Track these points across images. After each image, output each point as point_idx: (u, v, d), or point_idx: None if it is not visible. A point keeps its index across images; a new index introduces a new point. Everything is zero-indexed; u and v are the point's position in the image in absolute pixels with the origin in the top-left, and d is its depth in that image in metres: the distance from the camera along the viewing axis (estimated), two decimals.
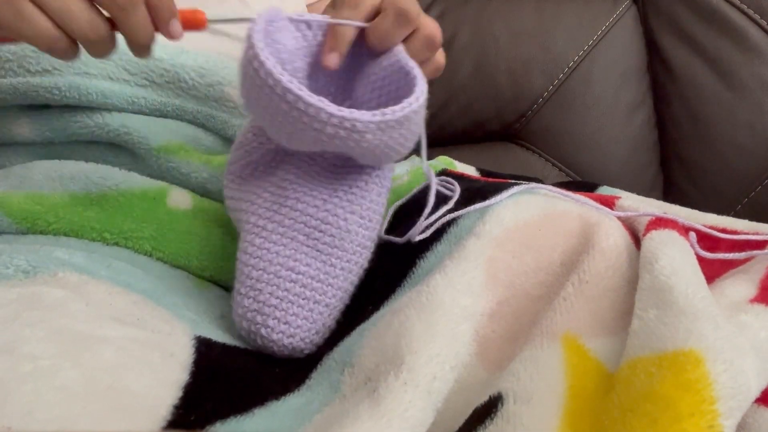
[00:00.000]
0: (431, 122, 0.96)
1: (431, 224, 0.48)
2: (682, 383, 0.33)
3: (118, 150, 0.56)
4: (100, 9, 0.42)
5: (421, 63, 0.47)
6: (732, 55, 0.90)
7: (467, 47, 0.95)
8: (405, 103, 0.41)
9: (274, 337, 0.45)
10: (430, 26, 0.48)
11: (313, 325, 0.45)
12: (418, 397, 0.36)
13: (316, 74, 0.49)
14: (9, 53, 0.55)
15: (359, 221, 0.46)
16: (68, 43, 0.43)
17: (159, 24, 0.44)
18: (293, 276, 0.45)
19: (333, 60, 0.46)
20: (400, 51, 0.46)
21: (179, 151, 0.55)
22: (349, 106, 0.42)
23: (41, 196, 0.52)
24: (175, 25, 0.44)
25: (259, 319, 0.45)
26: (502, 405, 0.36)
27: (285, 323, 0.45)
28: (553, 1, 0.97)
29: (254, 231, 0.46)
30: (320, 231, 0.46)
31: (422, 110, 0.43)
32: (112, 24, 0.43)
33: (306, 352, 0.46)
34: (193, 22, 0.45)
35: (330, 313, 0.46)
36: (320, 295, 0.46)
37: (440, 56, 0.51)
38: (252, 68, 0.41)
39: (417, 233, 0.47)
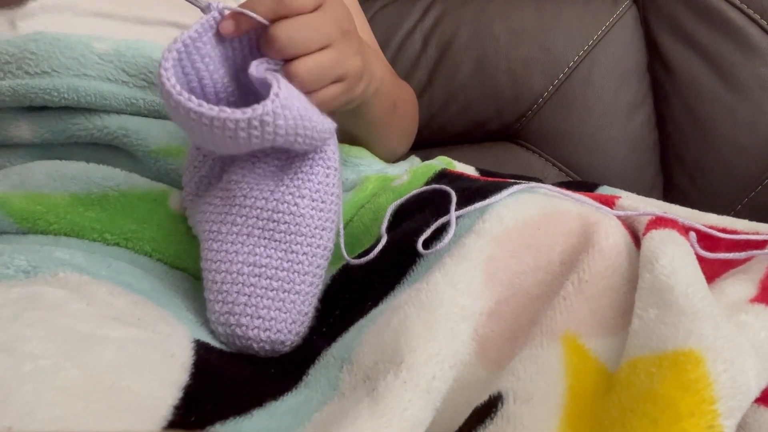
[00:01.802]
0: (431, 122, 0.96)
1: (431, 227, 0.48)
2: (682, 383, 0.33)
3: (117, 152, 0.56)
4: None
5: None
6: (732, 55, 0.90)
7: (467, 47, 0.95)
8: (268, 99, 0.42)
9: (250, 333, 0.45)
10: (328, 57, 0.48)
11: (287, 315, 0.46)
12: (417, 396, 0.36)
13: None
14: (8, 55, 0.55)
15: (311, 204, 0.47)
16: None
17: None
18: (256, 270, 0.46)
19: (225, 26, 0.45)
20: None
21: (178, 154, 0.55)
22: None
23: (42, 196, 0.52)
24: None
25: (232, 320, 0.45)
26: (502, 404, 0.36)
27: (258, 318, 0.45)
28: (553, 1, 0.97)
29: (210, 237, 0.47)
30: (273, 221, 0.46)
31: (285, 108, 0.43)
32: None
33: (288, 343, 0.46)
34: None
35: (303, 300, 0.47)
36: (287, 284, 0.46)
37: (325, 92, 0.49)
38: (161, 93, 0.42)
39: (421, 242, 0.48)
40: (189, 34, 0.44)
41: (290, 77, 0.46)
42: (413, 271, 0.47)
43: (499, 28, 0.95)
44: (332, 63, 0.48)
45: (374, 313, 0.44)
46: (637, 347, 0.36)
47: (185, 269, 0.53)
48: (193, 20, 0.46)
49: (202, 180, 0.50)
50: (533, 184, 0.50)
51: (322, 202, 0.48)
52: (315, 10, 0.47)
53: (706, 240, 0.49)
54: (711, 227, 0.50)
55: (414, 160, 0.70)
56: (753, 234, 0.50)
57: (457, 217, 0.47)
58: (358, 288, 0.48)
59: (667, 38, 0.94)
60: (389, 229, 0.52)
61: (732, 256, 0.47)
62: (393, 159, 0.71)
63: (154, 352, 0.39)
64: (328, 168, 0.49)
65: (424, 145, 0.93)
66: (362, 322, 0.44)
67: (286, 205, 0.47)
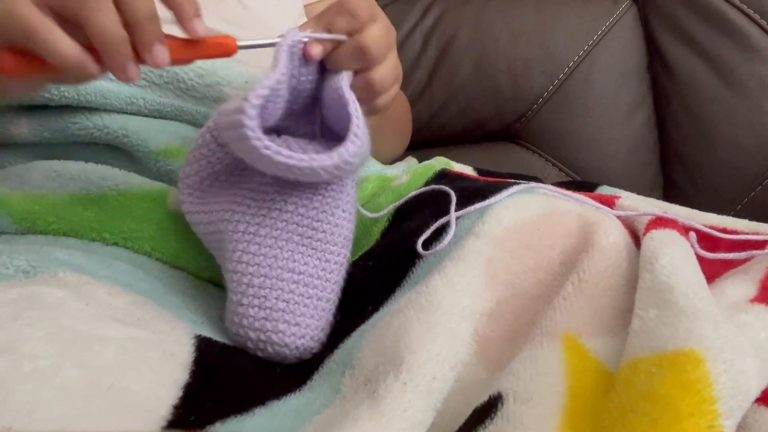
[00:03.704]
0: (431, 122, 0.96)
1: (430, 228, 0.48)
2: (682, 383, 0.33)
3: (116, 152, 0.56)
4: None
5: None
6: (732, 55, 0.90)
7: (467, 47, 0.95)
8: (348, 140, 0.43)
9: (287, 340, 0.45)
10: (383, 69, 0.49)
11: (319, 323, 0.46)
12: (417, 397, 0.36)
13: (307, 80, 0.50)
14: None
15: (343, 215, 0.48)
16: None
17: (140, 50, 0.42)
18: (295, 277, 0.45)
19: (315, 50, 0.47)
20: (345, 80, 0.47)
21: (178, 155, 0.55)
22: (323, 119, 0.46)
23: (41, 196, 0.52)
24: (160, 52, 0.42)
25: (268, 326, 0.45)
26: (502, 405, 0.36)
27: (295, 325, 0.45)
28: (553, 1, 0.97)
29: (246, 239, 0.46)
30: (313, 229, 0.46)
31: (364, 141, 0.44)
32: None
33: (314, 351, 0.46)
34: (224, 48, 0.45)
35: (330, 309, 0.47)
36: (321, 292, 0.46)
37: (382, 100, 0.52)
38: (237, 132, 0.42)
39: (420, 243, 0.48)
40: (277, 77, 0.44)
41: (373, 83, 0.49)
42: (413, 273, 0.47)
43: (499, 28, 0.95)
44: (396, 66, 0.51)
45: (375, 317, 0.44)
46: (637, 347, 0.36)
47: (184, 268, 0.53)
48: (250, 41, 0.46)
49: (210, 176, 0.49)
50: (533, 184, 0.50)
51: (350, 213, 0.49)
52: (374, 18, 0.49)
53: (706, 240, 0.49)
54: (711, 227, 0.50)
55: (411, 161, 0.70)
56: (753, 234, 0.50)
57: (457, 218, 0.47)
58: (359, 291, 0.48)
59: (667, 38, 0.94)
60: (389, 230, 0.52)
61: (732, 256, 0.47)
62: (389, 161, 0.71)
63: (153, 351, 0.39)
64: (353, 181, 0.49)
65: (423, 145, 0.94)
66: (363, 327, 0.44)
67: (325, 214, 0.47)
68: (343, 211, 0.48)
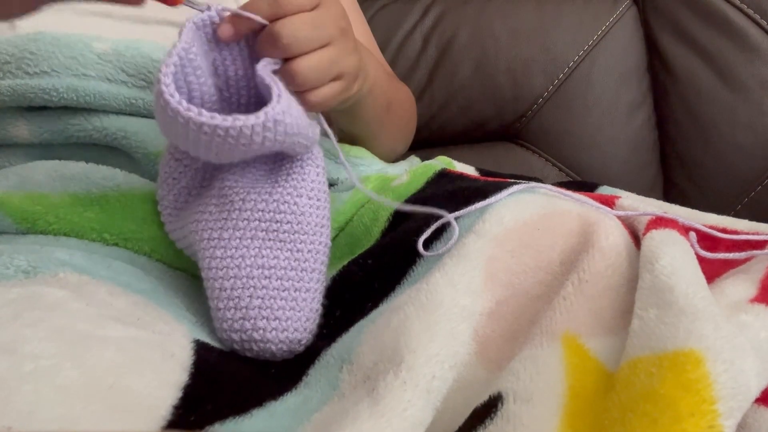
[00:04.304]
0: (431, 122, 0.96)
1: (430, 227, 0.48)
2: (683, 383, 0.33)
3: (116, 153, 0.56)
4: None
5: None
6: (732, 55, 0.90)
7: (467, 47, 0.95)
8: (274, 100, 0.42)
9: (269, 336, 0.45)
10: (315, 59, 0.47)
11: (300, 313, 0.46)
12: (417, 396, 0.36)
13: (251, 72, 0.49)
14: (7, 55, 0.55)
15: (308, 202, 0.48)
16: None
17: None
18: (266, 272, 0.45)
19: (224, 30, 0.46)
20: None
21: None
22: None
23: (41, 196, 0.52)
24: None
25: (248, 325, 0.45)
26: (502, 404, 0.36)
27: (275, 319, 0.45)
28: (553, 1, 0.97)
29: (211, 245, 0.46)
30: (276, 221, 0.46)
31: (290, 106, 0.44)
32: None
33: (303, 342, 0.46)
34: None
35: (313, 297, 0.47)
36: (297, 282, 0.46)
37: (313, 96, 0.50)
38: (159, 105, 0.42)
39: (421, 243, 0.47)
40: (182, 45, 0.44)
41: (292, 75, 0.47)
42: (413, 271, 0.47)
43: (499, 28, 0.95)
44: (332, 60, 0.49)
45: (374, 313, 0.44)
46: (637, 347, 0.36)
47: (184, 269, 0.53)
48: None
49: (181, 192, 0.50)
50: (533, 184, 0.50)
51: (318, 199, 0.48)
52: (313, 9, 0.48)
53: (706, 240, 0.49)
54: (711, 227, 0.50)
55: (413, 160, 0.70)
56: (753, 234, 0.50)
57: (458, 218, 0.47)
58: (358, 288, 0.48)
59: (667, 38, 0.94)
60: (389, 230, 0.52)
61: (732, 256, 0.47)
62: (392, 158, 0.71)
63: (153, 352, 0.39)
64: (317, 167, 0.49)
65: (424, 145, 0.93)
66: (362, 323, 0.44)
67: (286, 204, 0.47)
68: (309, 198, 0.48)
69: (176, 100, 0.41)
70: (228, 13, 0.46)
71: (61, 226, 0.51)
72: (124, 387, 0.36)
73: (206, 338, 0.45)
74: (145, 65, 0.56)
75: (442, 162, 0.64)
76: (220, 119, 0.41)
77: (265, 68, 0.45)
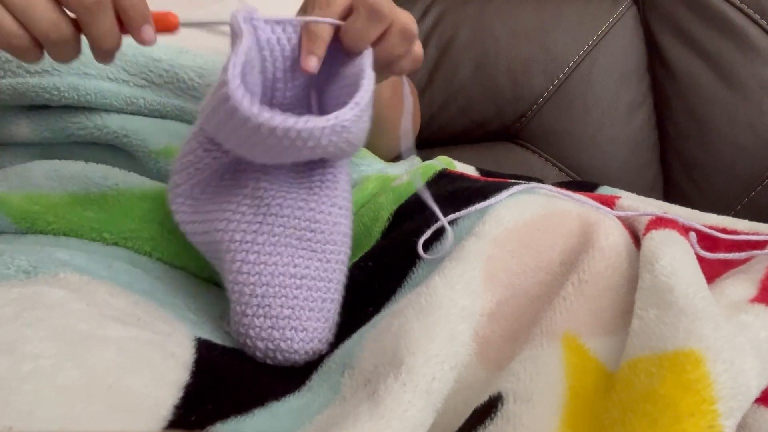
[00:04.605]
0: (431, 122, 0.96)
1: (431, 227, 0.48)
2: (683, 383, 0.33)
3: (116, 152, 0.56)
4: (66, 10, 0.41)
5: (399, 57, 0.47)
6: (732, 55, 0.90)
7: (467, 47, 0.95)
8: (348, 106, 0.41)
9: (296, 347, 0.44)
10: (403, 19, 0.47)
11: (326, 324, 0.45)
12: (417, 397, 0.36)
13: (293, 74, 0.48)
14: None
15: (339, 212, 0.47)
16: (30, 43, 0.41)
17: (130, 29, 0.42)
18: (297, 282, 0.45)
19: (311, 63, 0.45)
20: (368, 56, 0.45)
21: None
22: (322, 106, 0.43)
23: (41, 195, 0.52)
24: (148, 31, 0.43)
25: (276, 334, 0.44)
26: (502, 405, 0.36)
27: (303, 330, 0.44)
28: (553, 1, 0.97)
29: (244, 248, 0.45)
30: (311, 231, 0.46)
31: (365, 112, 0.43)
32: (77, 26, 0.42)
33: (322, 352, 0.45)
34: (165, 25, 0.44)
35: (335, 308, 0.46)
36: (325, 294, 0.46)
37: (418, 48, 0.50)
38: (225, 110, 0.40)
39: (421, 244, 0.47)
40: (246, 45, 0.42)
41: (404, 31, 0.46)
42: (413, 273, 0.47)
43: (499, 28, 0.95)
44: (411, 21, 0.48)
45: (375, 318, 0.44)
46: (637, 347, 0.36)
47: (185, 268, 0.53)
48: (196, 16, 0.45)
49: (200, 183, 0.48)
50: (533, 184, 0.50)
51: (347, 210, 0.48)
52: None
53: (706, 240, 0.49)
54: (711, 227, 0.50)
55: (414, 160, 0.70)
56: (753, 234, 0.50)
57: (457, 219, 0.47)
58: (360, 292, 0.48)
59: (667, 38, 0.94)
60: (390, 231, 0.52)
61: (732, 256, 0.47)
62: (395, 155, 0.71)
63: (154, 351, 0.39)
64: (347, 176, 0.49)
65: (424, 145, 0.93)
66: (364, 328, 0.44)
67: (322, 214, 0.46)
68: (340, 208, 0.47)
69: (247, 105, 0.39)
70: (299, 24, 0.44)
71: (60, 226, 0.51)
72: (125, 387, 0.36)
73: (207, 336, 0.45)
74: (146, 64, 0.56)
75: (442, 162, 0.64)
76: (292, 121, 0.39)
77: (369, 61, 0.44)
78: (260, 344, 0.44)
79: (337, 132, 0.40)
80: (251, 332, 0.44)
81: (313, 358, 0.45)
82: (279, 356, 0.44)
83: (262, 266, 0.45)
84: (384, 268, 0.48)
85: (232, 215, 0.46)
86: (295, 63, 0.46)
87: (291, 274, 0.45)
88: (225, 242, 0.46)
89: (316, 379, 0.42)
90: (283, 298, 0.44)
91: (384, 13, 0.45)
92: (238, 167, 0.47)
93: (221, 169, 0.48)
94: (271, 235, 0.45)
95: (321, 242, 0.46)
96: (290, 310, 0.44)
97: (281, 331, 0.44)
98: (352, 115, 0.41)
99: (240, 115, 0.39)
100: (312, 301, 0.45)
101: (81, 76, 0.55)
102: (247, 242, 0.45)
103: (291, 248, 0.45)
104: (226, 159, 0.47)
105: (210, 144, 0.47)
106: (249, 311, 0.44)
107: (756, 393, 0.34)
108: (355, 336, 0.44)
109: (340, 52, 0.47)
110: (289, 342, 0.44)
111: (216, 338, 0.46)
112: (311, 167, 0.48)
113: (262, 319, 0.44)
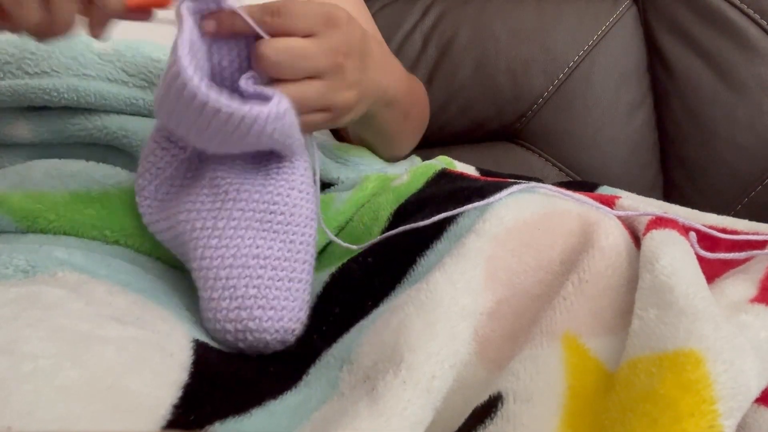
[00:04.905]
0: (431, 122, 0.96)
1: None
2: (683, 383, 0.33)
3: (116, 152, 0.56)
4: None
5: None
6: (732, 55, 0.90)
7: (467, 47, 0.95)
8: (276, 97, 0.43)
9: (265, 325, 0.45)
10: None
11: (295, 303, 0.46)
12: (417, 395, 0.36)
13: (240, 64, 0.49)
14: (7, 55, 0.55)
15: (299, 195, 0.48)
16: None
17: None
18: (261, 262, 0.46)
19: (209, 24, 0.45)
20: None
21: None
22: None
23: (41, 194, 0.52)
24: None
25: (243, 314, 0.45)
26: (502, 404, 0.36)
27: (270, 308, 0.45)
28: (553, 1, 0.97)
29: (205, 234, 0.46)
30: (270, 212, 0.47)
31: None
32: None
33: (296, 333, 0.46)
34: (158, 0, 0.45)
35: (305, 288, 0.47)
36: (291, 273, 0.46)
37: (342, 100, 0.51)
38: (175, 86, 0.41)
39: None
40: (189, 26, 0.44)
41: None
42: (413, 270, 0.47)
43: (499, 28, 0.95)
44: (317, 95, 0.49)
45: (375, 313, 0.44)
46: (637, 347, 0.36)
47: (183, 268, 0.53)
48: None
49: (163, 183, 0.50)
50: (533, 184, 0.50)
51: (307, 193, 0.49)
52: (308, 36, 0.47)
53: (706, 240, 0.49)
54: (711, 227, 0.50)
55: (414, 160, 0.70)
56: (753, 234, 0.50)
57: (458, 216, 0.47)
58: (358, 287, 0.48)
59: (667, 38, 0.94)
60: (389, 230, 0.52)
61: (732, 256, 0.47)
62: (398, 159, 0.71)
63: (153, 351, 0.39)
64: (305, 161, 0.50)
65: (424, 145, 0.93)
66: (363, 323, 0.44)
67: (280, 197, 0.47)
68: (300, 191, 0.48)
69: (196, 81, 0.40)
70: (229, 8, 0.46)
71: (61, 224, 0.51)
72: (124, 386, 0.36)
73: (206, 338, 0.45)
74: (146, 65, 0.56)
75: (442, 162, 0.64)
76: (237, 105, 0.41)
77: (248, 81, 0.46)
78: (229, 326, 0.45)
79: (280, 118, 0.42)
80: (219, 315, 0.45)
81: (286, 338, 0.45)
82: (249, 336, 0.45)
83: (223, 249, 0.46)
84: (384, 264, 0.48)
85: (192, 205, 0.47)
86: (240, 51, 0.48)
87: (254, 255, 0.46)
88: (188, 231, 0.47)
89: (314, 374, 0.42)
90: (248, 278, 0.45)
91: (265, 64, 0.46)
92: (199, 165, 0.49)
93: (182, 167, 0.49)
94: (230, 219, 0.46)
95: (282, 223, 0.47)
96: (255, 289, 0.45)
97: (248, 310, 0.45)
98: (285, 104, 0.43)
99: (188, 90, 0.40)
100: (278, 280, 0.46)
101: (80, 77, 0.55)
102: (207, 228, 0.46)
103: (252, 230, 0.46)
104: (183, 155, 0.49)
105: (166, 142, 0.49)
106: (215, 294, 0.45)
107: (756, 393, 0.34)
108: (354, 330, 0.44)
109: None
110: (257, 321, 0.45)
111: (213, 340, 0.46)
112: (268, 157, 0.49)
113: (228, 300, 0.45)
